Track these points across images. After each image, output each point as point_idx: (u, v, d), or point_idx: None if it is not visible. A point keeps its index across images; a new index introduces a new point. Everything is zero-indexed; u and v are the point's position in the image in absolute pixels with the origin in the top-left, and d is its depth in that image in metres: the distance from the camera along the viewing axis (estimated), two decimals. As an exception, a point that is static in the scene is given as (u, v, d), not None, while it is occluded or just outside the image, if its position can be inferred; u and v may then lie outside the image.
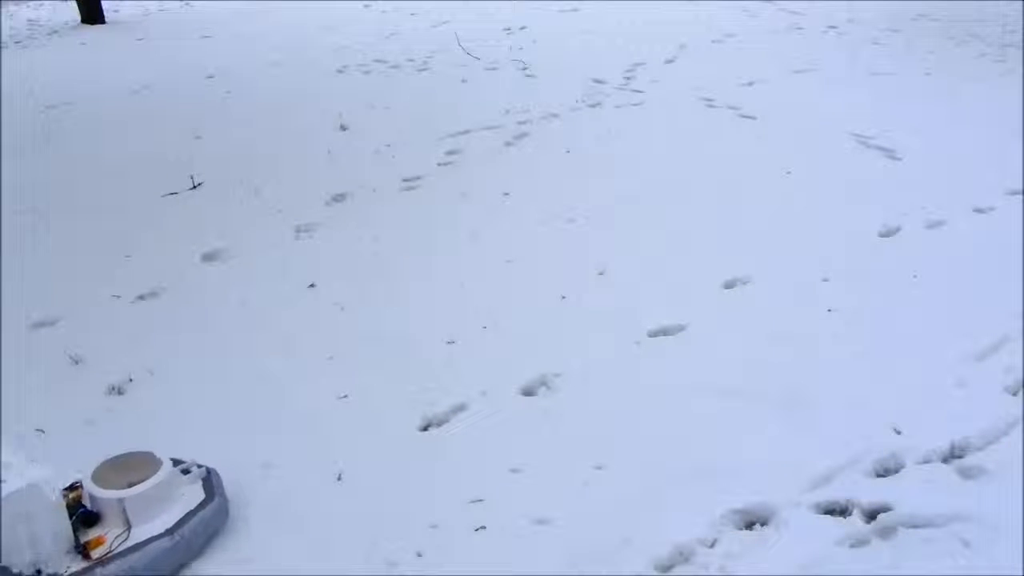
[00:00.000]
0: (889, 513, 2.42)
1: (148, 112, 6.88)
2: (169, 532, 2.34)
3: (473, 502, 2.60)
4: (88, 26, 10.81)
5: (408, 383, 3.19)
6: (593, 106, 6.25)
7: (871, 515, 2.43)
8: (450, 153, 5.47)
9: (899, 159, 4.95)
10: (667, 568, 2.33)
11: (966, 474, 2.56)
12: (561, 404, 3.04)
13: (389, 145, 5.65)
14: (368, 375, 3.27)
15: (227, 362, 3.42)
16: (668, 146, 5.37)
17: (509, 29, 8.94)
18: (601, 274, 3.89)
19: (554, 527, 2.48)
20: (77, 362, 3.48)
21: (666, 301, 3.59)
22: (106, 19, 11.02)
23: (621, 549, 2.38)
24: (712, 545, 2.38)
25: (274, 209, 4.77)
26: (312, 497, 2.67)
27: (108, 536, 2.33)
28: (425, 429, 2.98)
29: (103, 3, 11.18)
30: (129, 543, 2.30)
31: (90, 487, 2.40)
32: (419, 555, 2.42)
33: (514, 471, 2.71)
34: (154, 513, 2.38)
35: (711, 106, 6.07)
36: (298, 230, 4.53)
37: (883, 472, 2.60)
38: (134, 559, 2.26)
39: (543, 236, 4.28)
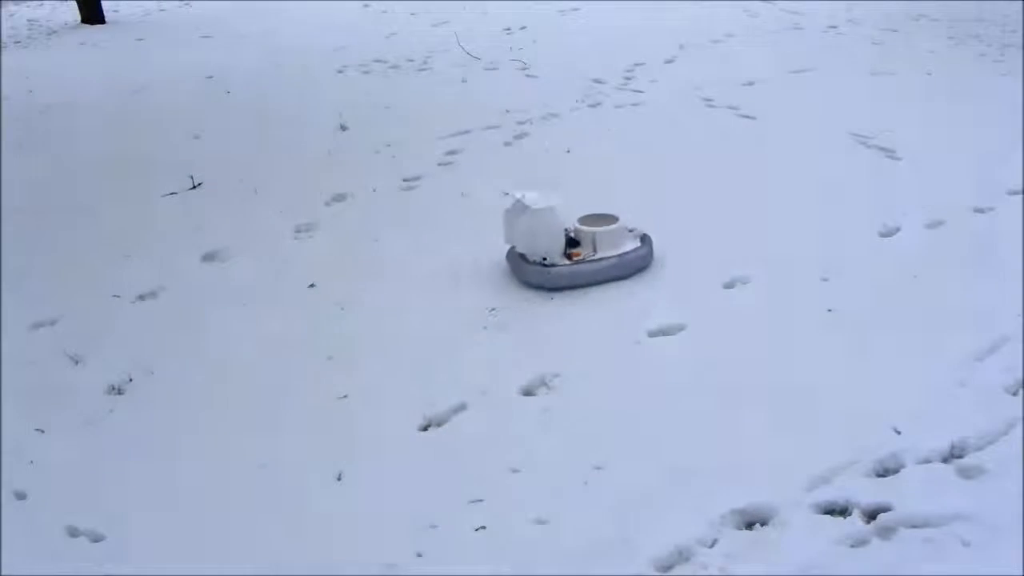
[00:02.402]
0: (889, 513, 2.42)
1: (148, 112, 6.88)
2: (618, 256, 3.77)
3: (473, 502, 2.60)
4: (88, 26, 10.79)
5: (408, 383, 3.19)
6: (593, 106, 6.25)
7: (871, 515, 2.43)
8: (450, 153, 5.46)
9: (899, 159, 4.94)
10: (667, 568, 2.33)
11: (966, 474, 2.55)
12: (561, 404, 3.04)
13: (389, 145, 5.64)
14: (368, 375, 3.28)
15: (227, 362, 3.42)
16: (668, 146, 5.37)
17: (509, 29, 8.94)
18: (601, 274, 3.89)
19: (554, 527, 2.49)
20: (77, 362, 3.48)
21: (666, 301, 3.59)
22: (106, 19, 11.01)
23: (621, 549, 2.38)
24: (712, 545, 2.39)
25: (274, 209, 4.77)
26: (311, 497, 2.67)
27: (583, 252, 3.80)
28: (425, 429, 2.98)
29: (103, 3, 11.17)
30: (594, 258, 3.78)
31: (577, 226, 3.88)
32: (419, 555, 2.43)
33: (514, 471, 2.72)
34: (608, 248, 3.79)
35: (711, 106, 6.07)
36: (298, 230, 4.52)
37: (883, 472, 2.59)
38: (596, 265, 3.75)
39: (543, 236, 4.28)
